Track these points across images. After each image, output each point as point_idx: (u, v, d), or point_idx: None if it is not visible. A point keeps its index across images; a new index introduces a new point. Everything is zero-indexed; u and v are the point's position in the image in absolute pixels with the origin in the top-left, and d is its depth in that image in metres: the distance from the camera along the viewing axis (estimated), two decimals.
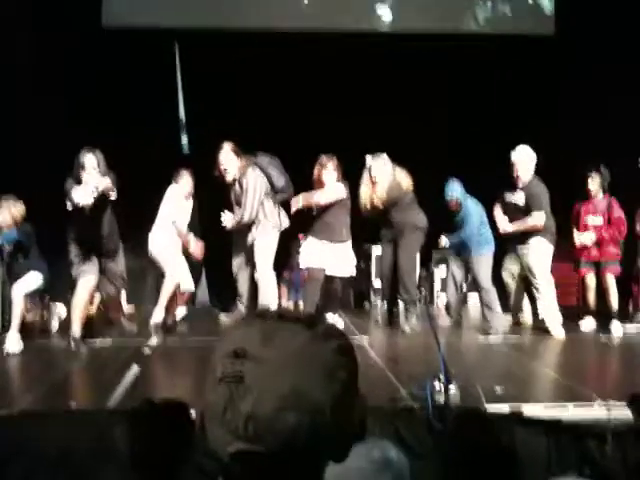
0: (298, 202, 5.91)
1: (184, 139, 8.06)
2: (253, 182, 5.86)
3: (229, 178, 5.93)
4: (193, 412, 3.03)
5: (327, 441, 0.81)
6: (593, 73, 7.12)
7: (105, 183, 4.90)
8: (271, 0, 8.29)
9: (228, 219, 5.99)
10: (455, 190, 5.79)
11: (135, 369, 4.22)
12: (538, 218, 5.70)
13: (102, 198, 4.96)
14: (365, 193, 5.95)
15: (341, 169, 5.96)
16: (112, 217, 5.33)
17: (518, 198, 5.84)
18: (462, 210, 5.82)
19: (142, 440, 2.14)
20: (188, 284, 5.68)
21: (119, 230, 5.49)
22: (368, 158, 5.96)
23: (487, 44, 7.71)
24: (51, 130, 6.56)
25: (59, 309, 6.03)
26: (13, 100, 6.61)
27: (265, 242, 5.96)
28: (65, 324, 5.82)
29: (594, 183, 6.09)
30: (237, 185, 5.96)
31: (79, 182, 4.90)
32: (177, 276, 5.35)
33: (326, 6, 8.24)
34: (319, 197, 5.87)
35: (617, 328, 5.82)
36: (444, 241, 6.09)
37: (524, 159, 5.81)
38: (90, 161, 4.98)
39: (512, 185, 5.89)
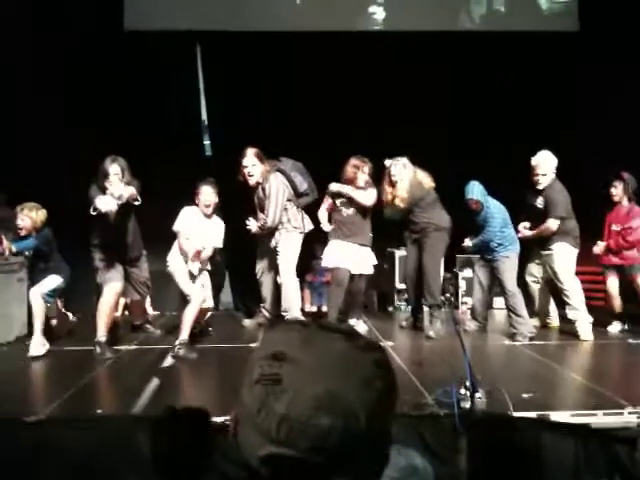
0: (334, 188, 6.01)
1: (207, 141, 8.10)
2: (276, 188, 5.88)
3: (252, 182, 5.96)
4: (216, 419, 3.03)
5: (360, 449, 0.79)
6: (613, 72, 7.01)
7: (129, 192, 4.92)
8: (284, 2, 8.28)
9: (253, 224, 6.01)
10: (474, 190, 5.74)
11: (156, 381, 4.23)
12: (551, 224, 5.77)
13: (126, 205, 4.99)
14: (386, 195, 5.94)
15: (372, 171, 6.01)
16: (135, 224, 5.37)
17: (539, 202, 5.88)
18: (483, 211, 5.78)
19: (163, 447, 2.13)
20: (208, 302, 5.59)
21: (142, 236, 5.52)
22: (387, 161, 5.96)
23: (499, 42, 7.62)
24: (73, 135, 6.62)
25: (70, 316, 6.10)
26: (33, 105, 6.68)
27: (288, 246, 5.98)
28: (80, 330, 5.88)
29: (617, 190, 6.03)
30: (260, 190, 5.98)
31: (103, 189, 4.93)
32: (199, 299, 5.26)
33: (322, 6, 8.25)
34: (357, 194, 5.92)
35: None
36: (467, 243, 6.03)
37: (544, 163, 5.84)
38: (114, 170, 5.00)
39: (534, 189, 5.91)
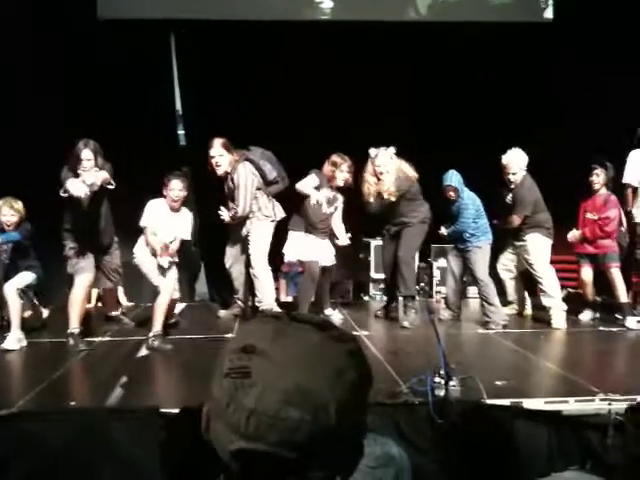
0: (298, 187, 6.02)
1: (181, 131, 8.03)
2: (244, 177, 5.83)
3: (220, 172, 5.90)
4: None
5: (332, 442, 0.78)
6: (594, 61, 7.07)
7: (102, 177, 4.85)
8: None
9: (225, 214, 5.98)
10: (453, 178, 5.78)
11: (130, 373, 4.19)
12: (514, 220, 5.91)
13: (99, 190, 4.93)
14: (368, 187, 5.92)
15: (353, 169, 5.99)
16: (108, 210, 5.30)
17: (508, 198, 6.01)
18: (458, 201, 5.82)
19: (178, 447, 2.11)
20: (174, 294, 5.55)
21: (114, 224, 5.46)
22: (372, 150, 5.91)
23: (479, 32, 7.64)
24: (45, 124, 6.52)
25: (42, 310, 6.02)
26: (8, 95, 6.56)
27: (259, 235, 5.93)
28: (52, 322, 5.82)
29: (599, 178, 6.09)
30: (229, 180, 5.94)
31: (75, 173, 4.85)
32: (170, 289, 5.23)
33: None
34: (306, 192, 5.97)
35: (631, 321, 5.78)
36: (442, 231, 6.06)
37: (514, 162, 5.93)
38: (87, 155, 4.92)
39: (505, 185, 6.03)
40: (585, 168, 6.18)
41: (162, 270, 5.25)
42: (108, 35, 7.20)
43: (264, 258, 5.94)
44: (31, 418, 3.35)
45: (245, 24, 7.65)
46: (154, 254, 5.24)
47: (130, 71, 7.10)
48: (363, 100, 7.27)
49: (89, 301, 6.12)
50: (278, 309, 5.61)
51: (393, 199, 5.84)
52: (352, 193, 6.10)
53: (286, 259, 6.22)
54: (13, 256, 5.41)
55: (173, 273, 5.38)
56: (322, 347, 0.80)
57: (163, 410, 3.24)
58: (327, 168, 5.98)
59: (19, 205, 5.36)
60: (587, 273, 6.21)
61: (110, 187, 5.03)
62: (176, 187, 5.29)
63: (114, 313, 6.15)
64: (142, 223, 5.31)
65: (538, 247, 5.93)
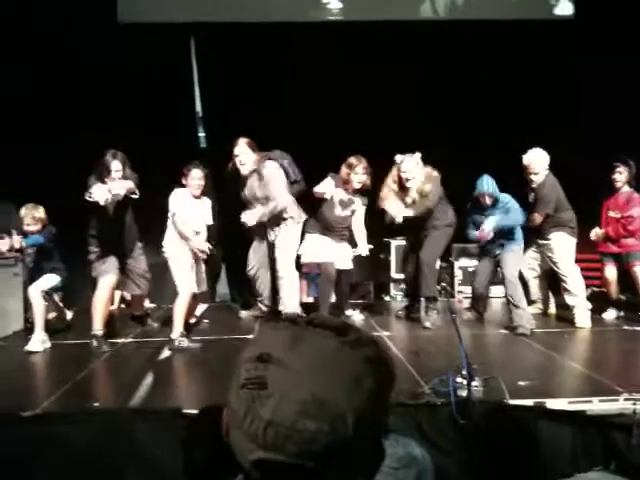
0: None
1: (201, 133, 8.08)
2: (273, 170, 5.81)
3: (245, 171, 5.90)
4: None
5: (350, 451, 0.77)
6: (607, 61, 6.99)
7: (127, 186, 4.98)
8: None
9: (250, 216, 5.93)
10: (490, 185, 5.63)
11: (153, 374, 4.23)
12: (535, 219, 5.87)
13: (124, 199, 5.03)
14: (388, 191, 5.86)
15: (370, 171, 5.96)
16: (132, 217, 5.37)
17: (531, 198, 5.95)
18: (498, 204, 5.69)
19: (199, 452, 2.11)
20: (200, 287, 5.59)
21: (138, 228, 5.51)
22: (398, 157, 5.84)
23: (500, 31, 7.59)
24: (66, 129, 6.60)
25: (67, 311, 6.09)
26: (27, 99, 6.64)
27: (288, 239, 5.91)
28: (76, 324, 5.87)
29: (621, 176, 6.03)
30: (255, 178, 5.90)
31: (102, 181, 4.94)
32: (188, 290, 5.28)
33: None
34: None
35: None
36: (486, 229, 5.67)
37: (535, 162, 5.88)
38: (116, 166, 5.03)
39: (528, 185, 5.98)
40: (607, 165, 6.11)
41: (192, 265, 5.34)
42: (128, 39, 7.26)
43: (292, 263, 5.94)
44: (55, 419, 3.39)
45: (263, 26, 7.66)
46: (186, 247, 5.32)
47: (150, 75, 7.16)
48: (380, 101, 7.25)
49: (112, 303, 6.17)
50: (301, 313, 5.62)
51: (430, 206, 5.77)
52: (374, 194, 6.07)
53: (302, 261, 6.20)
54: (37, 259, 5.48)
55: (199, 267, 5.47)
56: (339, 354, 0.78)
57: (185, 411, 3.26)
58: (343, 171, 5.96)
59: (40, 213, 5.40)
60: (611, 272, 6.15)
61: (134, 197, 5.11)
62: (196, 176, 5.40)
63: (140, 313, 6.19)
64: (172, 209, 5.35)
65: (563, 246, 5.87)
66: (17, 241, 5.28)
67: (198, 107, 8.07)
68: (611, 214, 6.09)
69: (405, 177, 5.76)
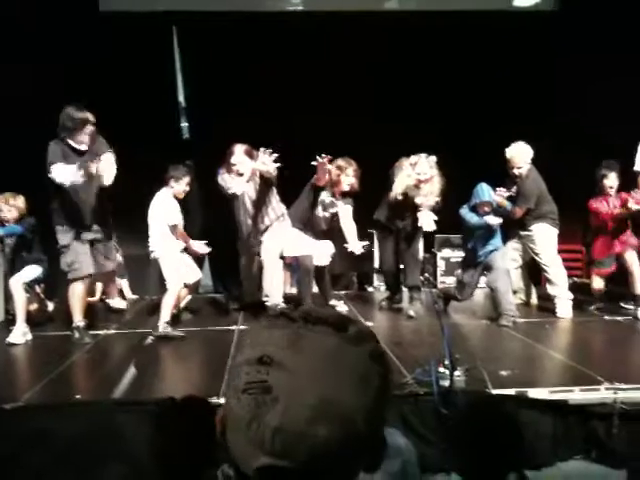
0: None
1: (184, 124, 8.02)
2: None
3: (243, 183, 5.63)
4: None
5: (359, 453, 0.76)
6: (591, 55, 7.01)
7: (100, 168, 4.79)
8: None
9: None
10: (489, 194, 5.52)
11: (136, 365, 4.22)
12: (516, 212, 5.87)
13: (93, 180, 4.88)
14: (410, 190, 5.75)
15: (359, 174, 5.95)
16: (106, 200, 5.22)
17: (513, 190, 5.92)
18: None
19: (166, 439, 2.12)
20: (191, 277, 5.60)
21: (119, 219, 5.47)
22: (413, 158, 5.77)
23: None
24: (47, 119, 6.51)
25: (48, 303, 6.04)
26: (9, 89, 6.55)
27: (279, 235, 5.77)
28: (58, 316, 5.82)
29: (611, 182, 5.99)
30: (258, 183, 5.59)
31: (70, 147, 4.82)
32: (177, 286, 5.29)
33: None
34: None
35: None
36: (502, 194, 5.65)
37: (518, 156, 5.88)
38: (88, 116, 4.91)
39: (510, 177, 5.98)
40: (590, 156, 6.14)
41: (181, 260, 5.40)
42: (109, 28, 7.18)
43: (277, 255, 5.85)
44: (38, 412, 3.37)
45: (247, 15, 7.61)
46: (177, 247, 5.38)
47: (132, 65, 7.08)
48: (366, 96, 7.24)
49: (93, 294, 6.13)
50: (283, 305, 5.59)
51: (433, 204, 5.75)
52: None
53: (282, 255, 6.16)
54: (17, 250, 5.42)
55: (188, 260, 5.54)
56: (342, 353, 0.76)
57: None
58: (333, 172, 5.88)
59: (17, 201, 5.34)
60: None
61: (105, 185, 4.97)
62: (187, 182, 5.45)
63: (115, 305, 6.13)
64: (172, 221, 5.35)
65: (544, 236, 5.92)
66: None
67: (181, 97, 8.01)
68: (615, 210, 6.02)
69: (418, 179, 5.70)
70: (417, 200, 5.72)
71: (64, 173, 4.68)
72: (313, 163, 5.45)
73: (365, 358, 0.77)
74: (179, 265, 5.36)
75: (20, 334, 5.06)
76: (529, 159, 5.89)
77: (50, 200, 5.03)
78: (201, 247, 5.57)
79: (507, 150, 5.93)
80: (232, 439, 0.78)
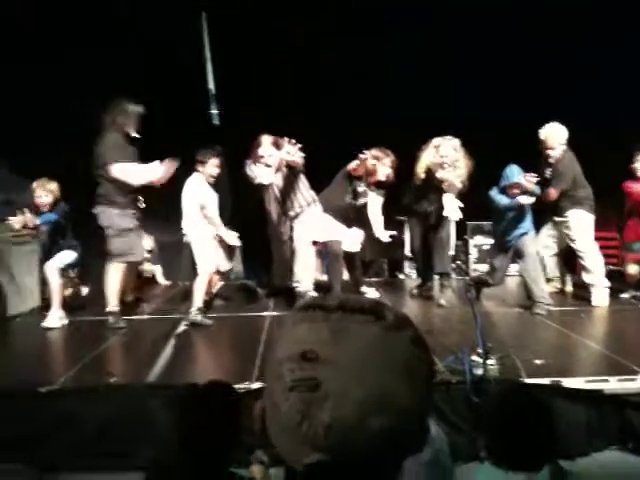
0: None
1: (214, 110, 8.04)
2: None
3: (271, 175, 5.64)
4: (237, 386, 3.05)
5: (409, 442, 0.75)
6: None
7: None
8: None
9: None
10: (519, 175, 5.33)
11: (170, 350, 4.26)
12: (550, 193, 5.72)
13: None
14: (434, 171, 5.71)
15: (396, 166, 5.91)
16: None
17: (548, 173, 5.81)
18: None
19: (190, 425, 2.14)
20: (224, 265, 5.64)
21: (152, 207, 5.52)
22: (435, 140, 5.74)
23: None
24: (78, 106, 6.56)
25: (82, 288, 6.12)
26: (40, 81, 6.61)
27: (311, 220, 5.74)
28: (92, 301, 5.90)
29: None
30: (287, 174, 5.60)
31: (129, 138, 5.06)
32: (208, 270, 5.31)
33: None
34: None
35: None
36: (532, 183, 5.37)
37: (552, 137, 5.76)
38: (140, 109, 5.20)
39: (545, 160, 5.85)
40: (625, 140, 5.99)
41: (216, 246, 5.43)
42: (139, 14, 7.19)
43: (310, 241, 5.82)
44: (73, 394, 3.43)
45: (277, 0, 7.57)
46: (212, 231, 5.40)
47: (162, 52, 7.10)
48: (398, 84, 7.15)
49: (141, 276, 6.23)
50: (314, 293, 5.58)
51: (460, 187, 5.69)
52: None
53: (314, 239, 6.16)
54: (52, 236, 5.48)
55: (219, 247, 5.55)
56: (384, 341, 0.75)
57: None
58: (368, 162, 5.81)
59: (53, 186, 5.40)
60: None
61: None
62: (215, 164, 5.42)
63: (128, 298, 6.09)
64: (202, 202, 5.34)
65: (581, 223, 5.79)
66: (30, 220, 5.28)
67: (211, 84, 8.03)
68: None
69: (442, 162, 5.64)
70: (442, 184, 5.65)
71: (144, 173, 4.99)
72: (355, 162, 5.46)
73: (407, 344, 0.76)
74: (211, 250, 5.38)
75: (56, 318, 5.15)
76: (564, 140, 5.76)
77: (101, 185, 5.10)
78: (231, 238, 5.55)
79: (540, 131, 5.81)
80: (278, 436, 0.76)
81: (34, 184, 5.39)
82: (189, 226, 5.37)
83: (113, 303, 5.13)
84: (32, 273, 5.84)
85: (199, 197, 5.32)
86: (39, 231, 5.51)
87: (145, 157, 5.17)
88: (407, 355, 0.75)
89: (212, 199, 5.42)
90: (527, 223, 5.47)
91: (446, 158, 5.63)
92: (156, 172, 5.08)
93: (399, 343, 0.75)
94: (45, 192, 5.35)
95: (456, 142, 5.68)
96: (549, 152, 5.77)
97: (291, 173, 5.45)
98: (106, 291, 5.15)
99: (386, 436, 0.71)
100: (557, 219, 5.93)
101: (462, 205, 5.65)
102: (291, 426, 0.73)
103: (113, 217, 5.09)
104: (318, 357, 0.73)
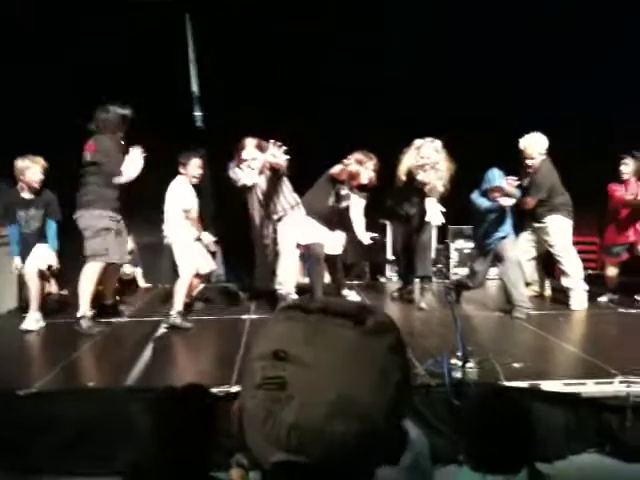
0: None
1: (198, 112, 8.02)
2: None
3: (255, 176, 5.56)
4: (216, 389, 3.05)
5: (377, 449, 0.74)
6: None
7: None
8: None
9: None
10: (500, 179, 5.38)
11: (149, 353, 4.24)
12: (527, 202, 5.79)
13: None
14: (415, 173, 5.72)
15: (379, 169, 5.90)
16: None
17: (526, 181, 5.85)
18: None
19: (167, 427, 2.14)
20: (204, 268, 5.60)
21: (135, 208, 5.48)
22: (417, 141, 5.76)
23: None
24: (60, 103, 6.51)
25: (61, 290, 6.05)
26: (25, 73, 6.56)
27: (294, 224, 5.69)
28: (72, 303, 5.83)
29: (628, 168, 5.95)
30: (269, 176, 5.53)
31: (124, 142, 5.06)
32: (189, 273, 5.28)
33: None
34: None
35: None
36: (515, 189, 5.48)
37: (532, 147, 5.81)
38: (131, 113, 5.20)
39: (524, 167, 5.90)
40: (602, 146, 6.07)
41: (197, 252, 5.38)
42: (123, 16, 7.15)
43: (294, 244, 5.80)
44: (50, 398, 3.40)
45: (261, 2, 7.56)
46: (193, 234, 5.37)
47: (145, 53, 7.06)
48: (381, 86, 7.18)
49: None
50: (295, 296, 5.57)
51: (442, 190, 5.69)
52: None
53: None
54: (39, 229, 5.36)
55: (201, 249, 5.52)
56: (360, 347, 0.73)
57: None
58: (352, 165, 5.81)
59: (42, 161, 5.28)
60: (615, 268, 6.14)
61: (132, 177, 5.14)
62: (197, 164, 5.39)
63: (108, 302, 5.96)
64: (186, 206, 5.33)
65: (559, 228, 5.84)
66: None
67: (194, 86, 8.00)
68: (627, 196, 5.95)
69: (422, 163, 5.65)
70: (423, 185, 5.65)
71: (129, 168, 4.97)
72: (338, 166, 5.47)
73: (384, 351, 0.75)
74: (192, 252, 5.36)
75: (34, 321, 5.10)
76: (543, 150, 5.81)
77: (83, 188, 5.06)
78: (210, 242, 5.52)
79: (521, 140, 5.86)
80: (248, 434, 0.76)
81: (25, 162, 5.22)
82: (171, 229, 5.34)
83: (84, 308, 4.98)
84: (8, 275, 5.76)
85: (183, 201, 5.31)
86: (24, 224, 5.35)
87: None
88: (381, 362, 0.73)
89: (195, 202, 5.41)
90: (507, 227, 5.51)
91: (427, 160, 5.65)
92: (138, 164, 5.07)
93: (374, 350, 0.74)
94: (42, 169, 5.24)
95: (437, 144, 5.71)
96: (528, 162, 5.82)
97: (274, 176, 5.44)
98: (79, 293, 5.06)
99: (351, 441, 0.70)
100: (536, 225, 5.98)
101: (444, 209, 5.68)
102: (257, 423, 0.73)
103: (91, 219, 5.04)
104: (288, 356, 0.72)
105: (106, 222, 5.05)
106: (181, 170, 5.35)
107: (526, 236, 6.10)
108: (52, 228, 5.42)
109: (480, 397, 3.02)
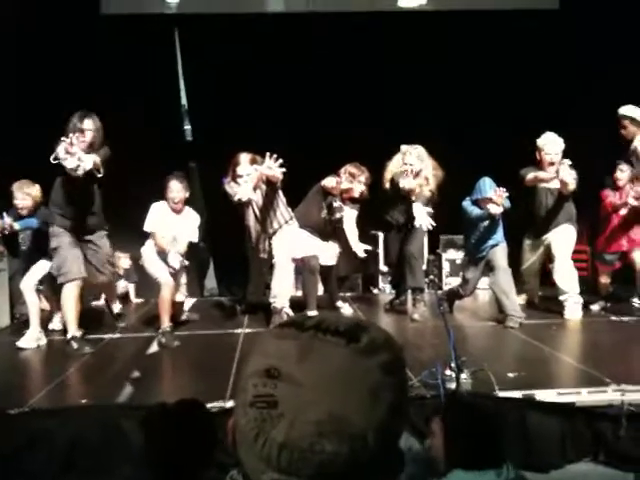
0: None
1: (187, 126, 8.02)
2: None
3: (250, 191, 5.41)
4: (209, 404, 3.03)
5: (370, 469, 0.73)
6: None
7: (92, 160, 4.55)
8: None
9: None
10: (492, 189, 5.31)
11: (141, 369, 4.21)
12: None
13: (88, 175, 4.62)
14: (399, 180, 5.75)
15: (370, 182, 5.92)
16: (98, 198, 5.04)
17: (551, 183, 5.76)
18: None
19: (158, 443, 2.12)
20: (179, 297, 5.58)
21: (122, 222, 5.43)
22: (403, 147, 5.80)
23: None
24: (49, 119, 6.49)
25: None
26: (14, 87, 6.55)
27: (289, 238, 5.71)
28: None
29: (623, 175, 5.98)
30: (265, 192, 5.53)
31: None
32: (166, 283, 5.17)
33: None
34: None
35: None
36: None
37: (550, 146, 5.75)
38: (89, 125, 4.77)
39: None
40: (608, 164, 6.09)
41: (170, 271, 5.24)
42: (111, 30, 7.17)
43: (289, 258, 5.76)
44: (42, 416, 3.37)
45: (249, 17, 7.61)
46: (162, 254, 5.26)
47: (134, 67, 7.08)
48: (369, 97, 7.22)
49: (99, 299, 6.12)
50: (289, 310, 5.56)
51: (429, 195, 5.71)
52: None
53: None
54: (34, 244, 5.25)
55: (181, 275, 5.43)
56: (352, 366, 0.72)
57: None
58: (343, 179, 5.85)
59: (32, 189, 5.20)
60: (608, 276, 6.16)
61: (99, 175, 4.70)
62: (175, 188, 5.25)
63: (116, 310, 6.06)
64: (146, 228, 5.29)
65: (569, 238, 5.83)
66: (7, 224, 5.06)
67: (184, 100, 8.02)
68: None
69: (406, 169, 5.69)
70: (410, 194, 5.68)
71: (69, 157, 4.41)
72: (330, 179, 5.54)
73: (375, 371, 0.73)
74: (160, 263, 5.25)
75: (33, 339, 4.96)
76: (560, 151, 5.75)
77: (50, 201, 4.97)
78: (175, 260, 5.20)
79: (538, 140, 5.80)
80: (241, 451, 0.76)
81: (14, 185, 5.21)
82: (144, 248, 5.34)
83: (73, 328, 4.85)
84: (2, 291, 5.73)
85: (147, 222, 5.29)
86: (19, 239, 5.29)
87: (119, 172, 5.06)
88: (372, 382, 0.72)
89: (167, 227, 5.29)
90: (499, 235, 5.51)
91: (409, 166, 5.68)
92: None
93: (366, 369, 0.73)
94: (22, 195, 5.16)
95: (421, 150, 5.74)
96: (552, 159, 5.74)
97: (271, 190, 5.43)
98: (64, 317, 4.97)
99: (339, 461, 0.69)
100: (548, 233, 5.91)
101: (432, 211, 5.67)
102: (249, 441, 0.72)
103: (48, 238, 4.92)
104: (280, 374, 0.72)
105: (56, 241, 4.87)
106: (165, 194, 5.32)
107: (532, 247, 6.07)
108: None
109: (474, 408, 3.03)
